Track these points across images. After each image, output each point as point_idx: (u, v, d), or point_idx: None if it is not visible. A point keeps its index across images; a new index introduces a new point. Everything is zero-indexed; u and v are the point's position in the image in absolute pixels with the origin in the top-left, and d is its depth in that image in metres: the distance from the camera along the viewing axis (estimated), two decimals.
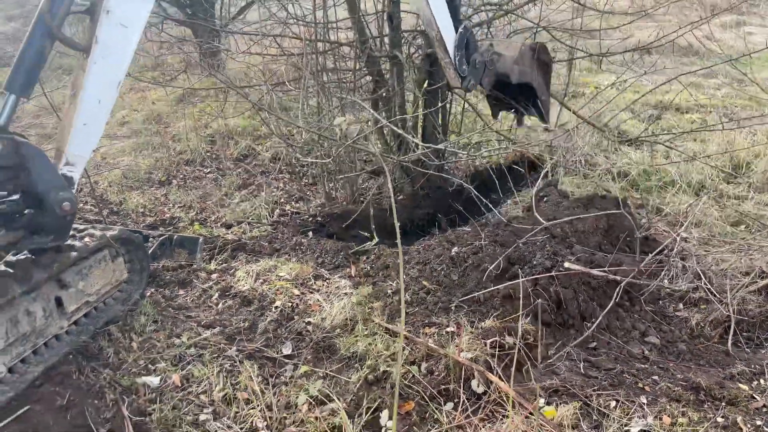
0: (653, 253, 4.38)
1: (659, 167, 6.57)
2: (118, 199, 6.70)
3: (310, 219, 6.15)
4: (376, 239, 4.80)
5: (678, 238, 4.47)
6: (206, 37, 10.89)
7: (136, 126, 9.12)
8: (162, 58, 12.55)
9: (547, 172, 6.35)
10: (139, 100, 10.52)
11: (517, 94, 4.81)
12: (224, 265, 4.95)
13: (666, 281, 4.36)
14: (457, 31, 4.43)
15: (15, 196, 3.40)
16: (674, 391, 3.32)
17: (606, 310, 3.87)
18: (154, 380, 3.48)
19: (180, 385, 3.47)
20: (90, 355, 3.67)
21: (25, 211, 3.37)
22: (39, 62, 3.19)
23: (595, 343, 3.90)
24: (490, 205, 5.16)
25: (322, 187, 6.78)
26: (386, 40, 6.44)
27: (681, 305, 4.26)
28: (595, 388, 3.35)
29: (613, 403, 3.19)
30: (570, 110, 6.09)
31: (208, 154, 8.07)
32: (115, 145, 8.39)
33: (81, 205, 6.44)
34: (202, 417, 3.24)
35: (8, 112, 3.18)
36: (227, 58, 11.53)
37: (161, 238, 4.96)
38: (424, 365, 3.49)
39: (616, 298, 3.89)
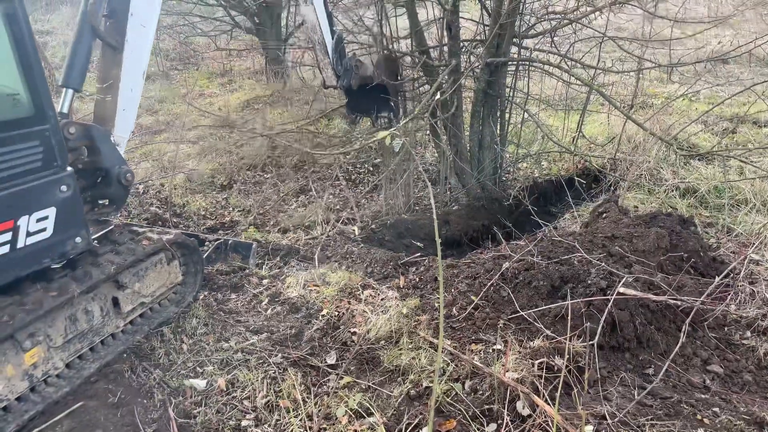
0: (720, 277, 4.13)
1: (732, 184, 6.21)
2: (182, 202, 6.93)
3: (363, 227, 6.16)
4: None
5: (747, 261, 4.19)
6: (273, 45, 11.17)
7: (203, 131, 9.43)
8: (230, 65, 12.99)
9: (608, 186, 6.13)
10: (207, 105, 10.87)
11: (375, 98, 6.01)
12: (276, 270, 5.03)
13: (732, 306, 4.10)
14: (333, 37, 5.43)
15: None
16: (736, 425, 3.10)
17: (678, 345, 3.60)
18: (200, 383, 3.56)
19: (225, 389, 3.53)
20: (143, 354, 3.79)
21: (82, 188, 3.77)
22: (88, 58, 3.70)
23: (651, 369, 3.71)
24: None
25: (381, 194, 6.79)
26: (445, 49, 6.39)
27: (748, 333, 3.99)
28: (649, 417, 3.17)
29: None
30: (635, 122, 5.84)
31: (269, 159, 8.24)
32: (182, 149, 8.69)
33: (147, 206, 6.71)
34: (244, 423, 3.28)
35: (68, 104, 3.65)
36: (292, 66, 11.79)
37: (216, 243, 5.09)
38: (468, 383, 3.41)
39: (684, 332, 3.64)
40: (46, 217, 3.19)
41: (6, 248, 3.02)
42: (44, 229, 3.20)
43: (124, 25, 3.77)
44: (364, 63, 5.68)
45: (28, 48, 2.97)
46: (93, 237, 3.76)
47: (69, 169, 3.31)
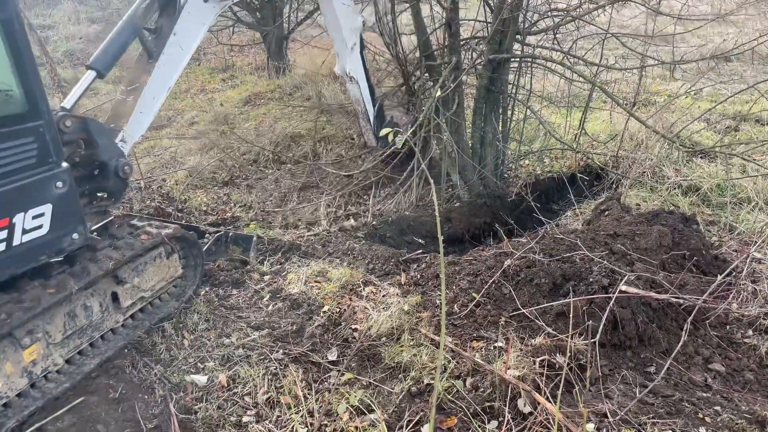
0: (722, 275, 4.11)
1: (734, 182, 6.18)
2: (183, 197, 6.92)
3: (365, 223, 6.14)
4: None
5: (749, 259, 4.18)
6: (275, 40, 11.13)
7: (204, 127, 9.41)
8: (231, 60, 12.94)
9: (611, 184, 6.10)
10: (208, 101, 10.84)
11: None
12: (277, 266, 5.02)
13: (734, 305, 4.08)
14: (374, 105, 6.15)
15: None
16: (737, 423, 3.09)
17: (680, 344, 3.59)
18: (201, 379, 3.55)
19: (226, 385, 3.52)
20: (144, 350, 3.79)
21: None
22: (122, 50, 3.89)
23: (653, 367, 3.70)
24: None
25: (387, 192, 6.77)
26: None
27: (750, 331, 3.98)
28: (651, 415, 3.16)
29: None
30: (638, 120, 5.82)
31: (272, 155, 8.21)
32: (183, 144, 8.68)
33: (148, 202, 6.70)
34: (245, 419, 3.28)
35: (80, 94, 3.75)
36: (294, 62, 11.75)
37: (216, 235, 5.08)
38: (469, 380, 3.40)
39: (686, 330, 3.63)
40: (42, 214, 3.17)
41: (2, 246, 3.00)
42: (40, 226, 3.18)
43: (165, 40, 4.05)
44: (398, 123, 6.50)
45: (21, 44, 2.93)
46: (92, 228, 3.76)
47: (65, 165, 3.28)
